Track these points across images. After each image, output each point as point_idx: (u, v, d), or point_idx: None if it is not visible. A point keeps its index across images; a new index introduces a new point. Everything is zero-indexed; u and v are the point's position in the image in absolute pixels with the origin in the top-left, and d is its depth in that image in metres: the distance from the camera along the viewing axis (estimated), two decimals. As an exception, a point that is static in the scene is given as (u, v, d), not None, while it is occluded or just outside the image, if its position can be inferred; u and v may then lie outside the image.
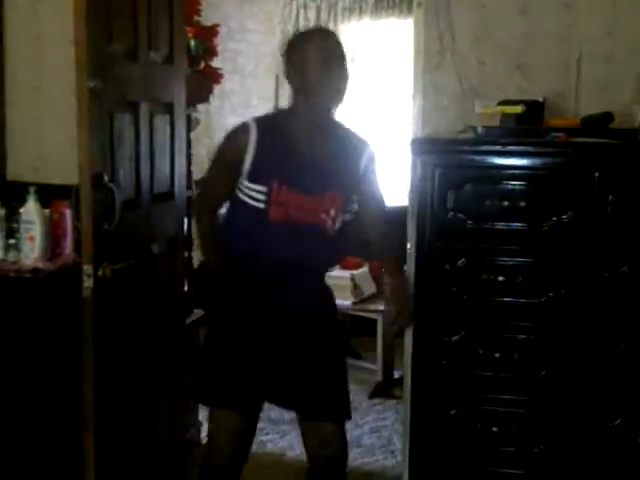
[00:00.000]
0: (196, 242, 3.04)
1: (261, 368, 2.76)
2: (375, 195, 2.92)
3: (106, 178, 2.79)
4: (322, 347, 2.80)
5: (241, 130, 2.73)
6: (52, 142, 3.20)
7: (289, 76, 2.77)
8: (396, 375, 4.99)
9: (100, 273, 2.78)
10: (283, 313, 2.76)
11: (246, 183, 2.71)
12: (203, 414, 4.25)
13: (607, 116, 3.07)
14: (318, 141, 2.75)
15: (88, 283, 2.76)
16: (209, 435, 2.93)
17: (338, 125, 2.83)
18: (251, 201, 2.70)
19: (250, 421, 2.84)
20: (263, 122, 2.76)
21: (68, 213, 3.03)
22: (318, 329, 2.81)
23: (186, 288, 3.86)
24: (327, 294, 2.92)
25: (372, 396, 4.96)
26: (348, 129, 2.87)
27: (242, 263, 2.76)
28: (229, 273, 2.83)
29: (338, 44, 2.74)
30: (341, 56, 2.73)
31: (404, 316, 2.93)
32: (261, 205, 2.69)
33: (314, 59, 2.68)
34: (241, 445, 2.84)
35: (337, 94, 2.70)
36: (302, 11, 6.66)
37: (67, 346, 2.90)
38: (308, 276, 2.80)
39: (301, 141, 2.74)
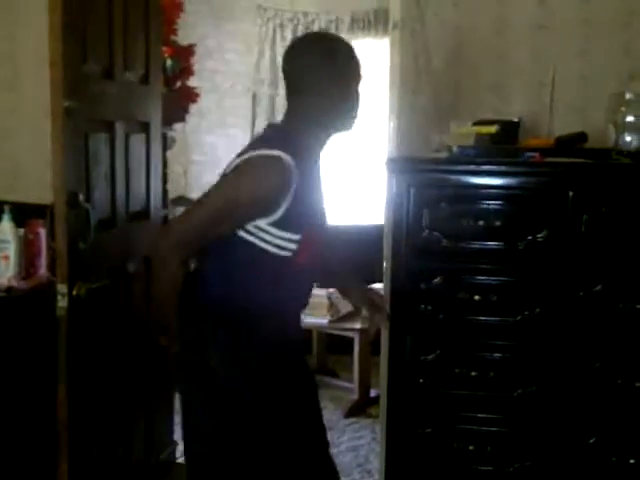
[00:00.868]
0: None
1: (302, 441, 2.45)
2: None
3: (81, 197, 2.78)
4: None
5: (278, 169, 2.19)
6: (28, 161, 3.18)
7: (316, 88, 2.29)
8: (373, 394, 4.98)
9: (75, 292, 2.76)
10: (304, 362, 2.56)
11: (274, 231, 2.23)
12: (179, 434, 4.23)
13: (581, 136, 3.10)
14: (319, 168, 2.42)
15: (62, 302, 2.74)
16: None
17: None
18: (277, 250, 2.25)
19: None
20: (295, 156, 2.22)
21: (43, 232, 3.01)
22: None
23: (162, 307, 3.85)
24: None
25: (348, 415, 4.94)
26: None
27: (269, 325, 2.33)
28: (251, 341, 2.32)
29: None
30: None
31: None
32: (289, 254, 2.27)
33: (355, 81, 2.35)
34: None
35: (353, 123, 2.39)
36: (279, 30, 6.69)
37: (41, 366, 2.87)
38: None
39: (317, 172, 2.40)
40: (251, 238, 2.25)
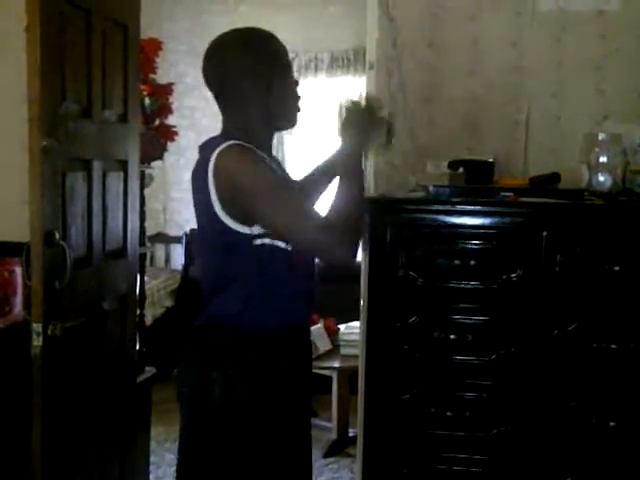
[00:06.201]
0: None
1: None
2: None
3: (57, 236, 2.78)
4: None
5: (249, 151, 2.15)
6: (3, 199, 3.19)
7: (246, 88, 2.20)
8: (351, 433, 4.97)
9: (50, 331, 2.75)
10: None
11: None
12: (155, 474, 4.20)
13: (554, 176, 3.13)
14: None
15: (37, 341, 2.72)
16: None
17: None
18: (280, 242, 2.16)
19: None
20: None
21: (19, 271, 3.01)
22: None
23: (138, 346, 3.84)
24: None
25: (327, 455, 4.93)
26: None
27: (279, 340, 2.25)
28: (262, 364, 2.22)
29: None
30: None
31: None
32: (283, 244, 2.17)
33: (285, 70, 2.27)
34: None
35: (297, 116, 2.32)
36: (258, 69, 6.75)
37: (16, 405, 2.85)
38: None
39: None
40: (261, 240, 2.14)
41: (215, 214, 2.13)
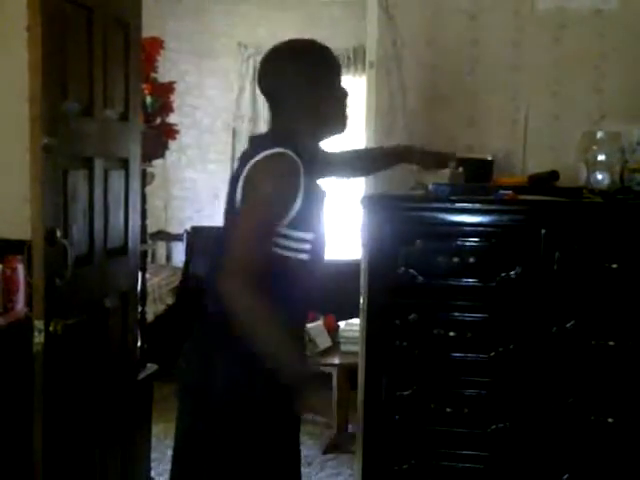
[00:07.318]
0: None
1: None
2: None
3: (59, 234, 2.79)
4: None
5: (294, 167, 2.19)
6: (6, 197, 3.19)
7: (299, 94, 2.28)
8: (351, 429, 4.98)
9: (51, 328, 2.77)
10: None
11: (290, 232, 2.21)
12: (156, 470, 4.21)
13: (553, 174, 3.15)
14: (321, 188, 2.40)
15: (39, 338, 2.74)
16: None
17: None
18: (295, 254, 2.22)
19: None
20: (299, 155, 2.23)
21: (21, 268, 3.02)
22: None
23: (139, 343, 3.86)
24: None
25: (326, 451, 4.94)
26: None
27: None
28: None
29: None
30: None
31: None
32: (306, 256, 2.24)
33: (333, 80, 2.36)
34: None
35: (345, 123, 2.41)
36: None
37: (18, 402, 2.87)
38: None
39: (320, 188, 2.37)
40: (276, 249, 2.20)
41: (238, 212, 2.21)
